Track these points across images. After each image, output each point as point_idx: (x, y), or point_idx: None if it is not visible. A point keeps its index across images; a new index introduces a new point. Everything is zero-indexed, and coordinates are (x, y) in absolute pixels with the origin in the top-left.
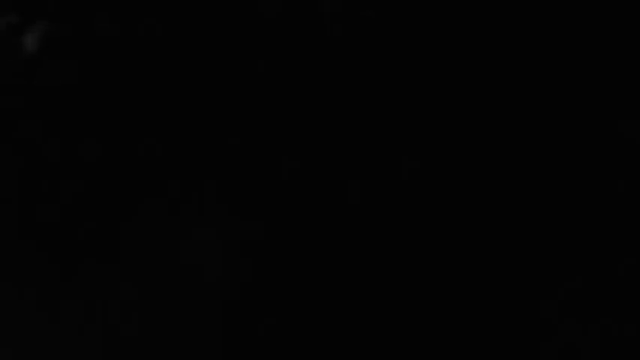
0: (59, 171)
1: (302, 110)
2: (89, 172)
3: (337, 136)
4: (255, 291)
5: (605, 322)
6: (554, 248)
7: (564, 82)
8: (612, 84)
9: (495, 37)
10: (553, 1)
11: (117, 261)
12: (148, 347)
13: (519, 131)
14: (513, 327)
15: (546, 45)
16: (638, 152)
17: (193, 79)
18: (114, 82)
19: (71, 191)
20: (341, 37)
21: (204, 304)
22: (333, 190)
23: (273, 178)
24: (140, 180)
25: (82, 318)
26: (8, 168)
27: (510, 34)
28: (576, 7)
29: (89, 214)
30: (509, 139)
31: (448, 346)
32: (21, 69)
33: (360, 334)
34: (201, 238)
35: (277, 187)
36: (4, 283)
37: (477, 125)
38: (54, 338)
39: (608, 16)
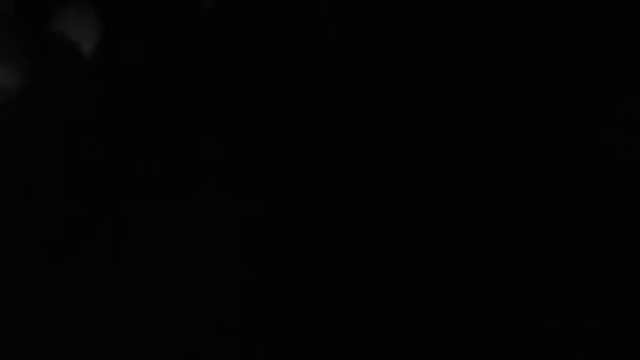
0: (59, 170)
1: (301, 109)
2: (89, 170)
3: (336, 135)
4: (256, 290)
5: (606, 322)
6: (553, 248)
7: (549, 85)
8: (594, 88)
9: (492, 35)
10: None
11: (116, 260)
12: (148, 346)
13: (518, 129)
14: (512, 327)
15: (536, 46)
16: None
17: (192, 78)
18: (113, 82)
19: (71, 190)
20: (340, 37)
21: (203, 303)
22: (332, 189)
23: (272, 176)
24: (139, 179)
25: (81, 317)
26: (8, 166)
27: (507, 32)
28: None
29: (89, 213)
30: (508, 137)
31: (448, 346)
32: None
33: (361, 334)
34: (201, 237)
35: (276, 185)
36: (2, 283)
37: (472, 125)
38: (52, 338)
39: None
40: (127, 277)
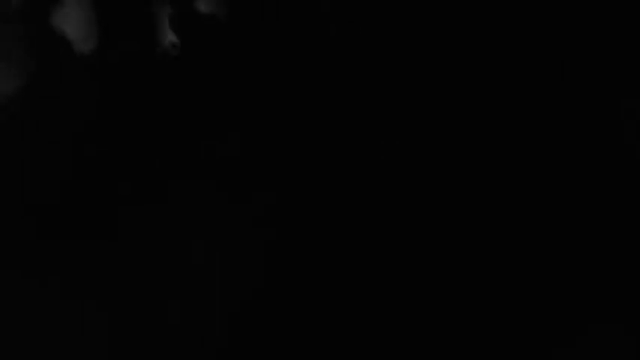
0: (59, 170)
1: (301, 109)
2: (89, 170)
3: (335, 135)
4: (260, 290)
5: (606, 323)
6: (553, 248)
7: (563, 82)
8: (614, 84)
9: (492, 35)
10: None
11: (116, 259)
12: (151, 345)
13: (518, 129)
14: (511, 329)
15: (544, 42)
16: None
17: (192, 78)
18: (113, 82)
19: (71, 190)
20: (340, 37)
21: (207, 302)
22: (332, 189)
23: (272, 175)
24: (139, 179)
25: (82, 316)
26: (8, 166)
27: (507, 32)
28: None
29: (89, 212)
30: (508, 137)
31: (450, 348)
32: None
33: (364, 335)
34: (203, 236)
35: (276, 183)
36: (2, 283)
37: (473, 125)
38: (52, 338)
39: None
40: (126, 277)
